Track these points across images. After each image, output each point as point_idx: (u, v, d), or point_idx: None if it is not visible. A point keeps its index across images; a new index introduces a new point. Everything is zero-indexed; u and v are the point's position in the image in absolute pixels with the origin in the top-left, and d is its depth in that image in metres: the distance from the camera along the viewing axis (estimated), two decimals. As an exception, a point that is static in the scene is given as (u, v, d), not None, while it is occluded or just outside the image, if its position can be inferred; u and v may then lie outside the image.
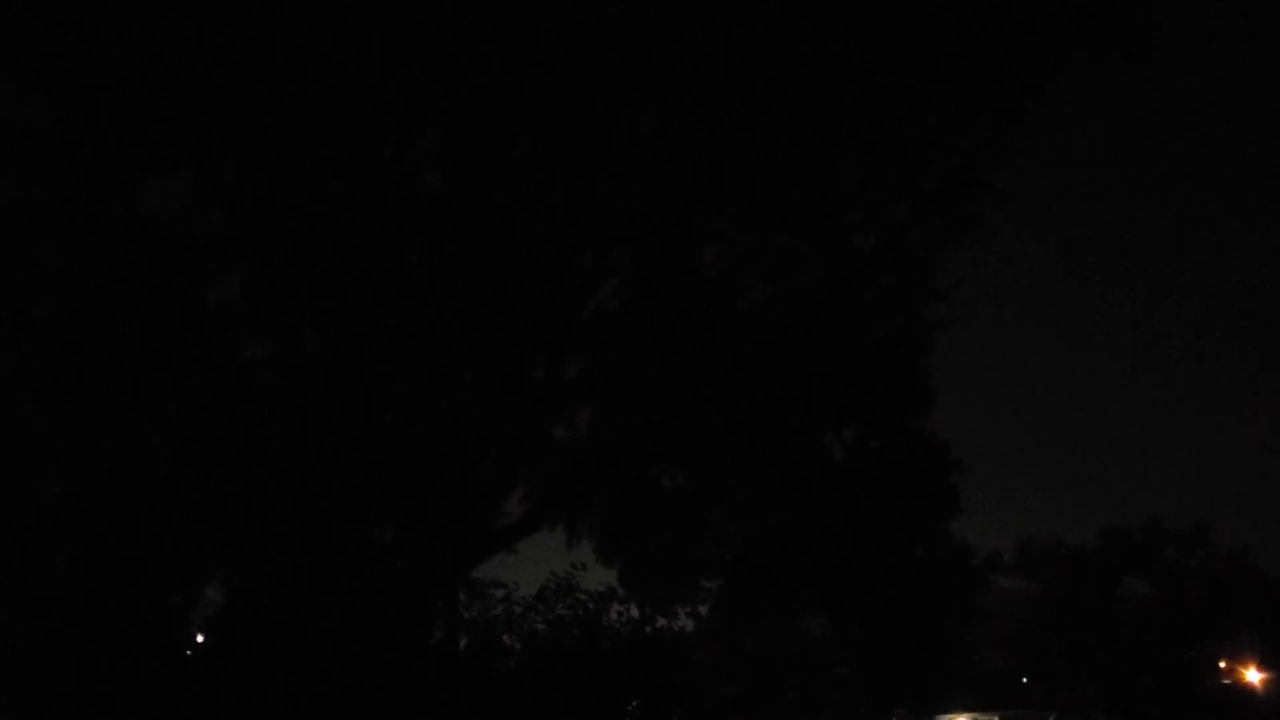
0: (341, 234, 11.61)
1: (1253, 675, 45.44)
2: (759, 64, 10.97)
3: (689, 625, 21.76)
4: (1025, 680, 49.08)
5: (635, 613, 14.51)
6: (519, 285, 11.59)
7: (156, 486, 11.31)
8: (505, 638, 13.58)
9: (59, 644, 10.84)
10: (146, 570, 11.47)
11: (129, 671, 10.87)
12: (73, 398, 11.16)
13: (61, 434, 11.32)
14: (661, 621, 15.52)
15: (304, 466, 11.68)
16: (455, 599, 13.44)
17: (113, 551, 11.28)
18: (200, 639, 12.52)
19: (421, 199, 12.03)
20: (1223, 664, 47.53)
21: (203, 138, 11.33)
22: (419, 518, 12.68)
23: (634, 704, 13.92)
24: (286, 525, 11.77)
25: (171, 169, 11.60)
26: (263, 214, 11.73)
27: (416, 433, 12.37)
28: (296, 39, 10.52)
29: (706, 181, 11.76)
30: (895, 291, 14.07)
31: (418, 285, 11.90)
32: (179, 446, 11.47)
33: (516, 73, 10.88)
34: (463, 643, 13.50)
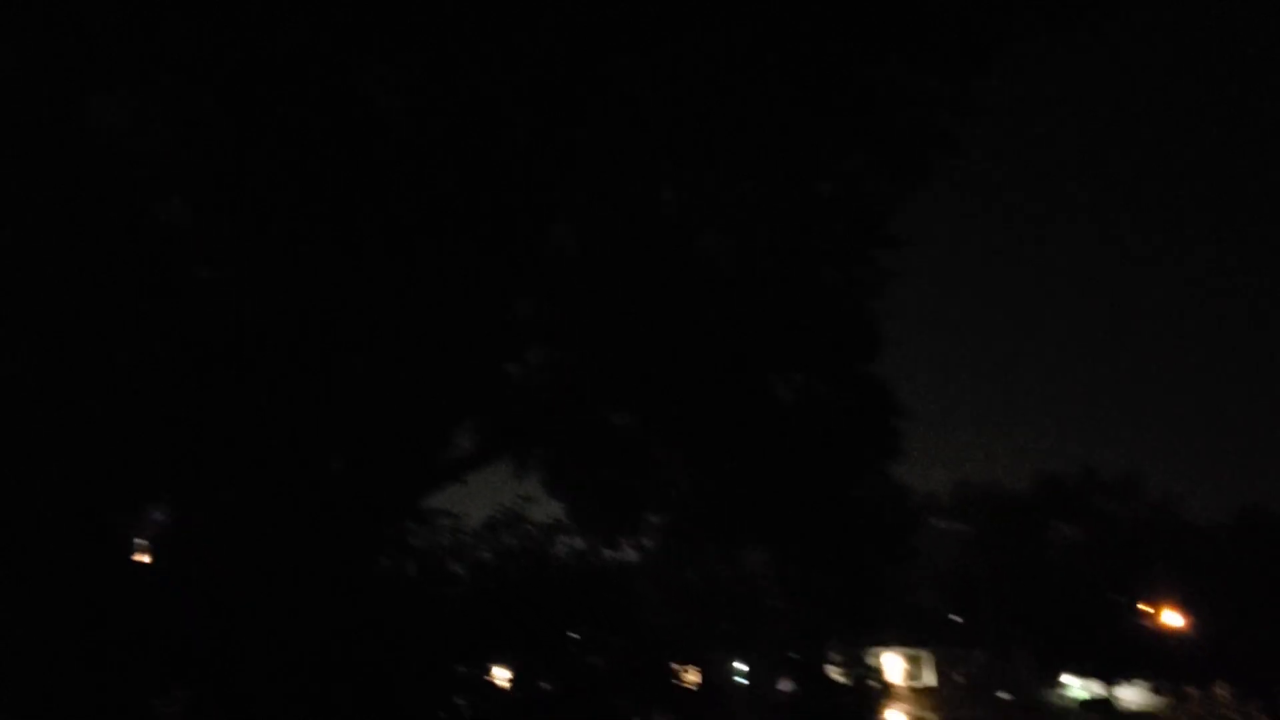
0: (287, 160, 11.47)
1: (1171, 619, 47.29)
2: (718, 27, 10.97)
3: (633, 557, 22.07)
4: (955, 618, 50.58)
5: (581, 545, 14.74)
6: (472, 222, 11.57)
7: (99, 404, 11.24)
8: (453, 566, 13.75)
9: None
10: (88, 487, 11.45)
11: (68, 589, 10.89)
12: (11, 307, 11.01)
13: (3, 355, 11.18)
14: (607, 553, 15.78)
15: (251, 392, 11.66)
16: (403, 527, 13.57)
17: (53, 468, 11.23)
18: (145, 559, 12.55)
19: (374, 124, 11.90)
20: (1144, 608, 49.33)
21: (147, 54, 11.11)
22: (368, 447, 12.73)
23: (580, 633, 14.22)
24: (232, 451, 11.77)
25: (114, 85, 11.36)
26: (207, 137, 11.55)
27: (366, 363, 12.38)
28: None
29: (666, 134, 11.79)
30: (849, 238, 14.21)
31: (368, 215, 11.82)
32: (122, 365, 11.39)
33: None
34: (410, 571, 13.67)
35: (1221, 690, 26.10)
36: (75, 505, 11.39)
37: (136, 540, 12.67)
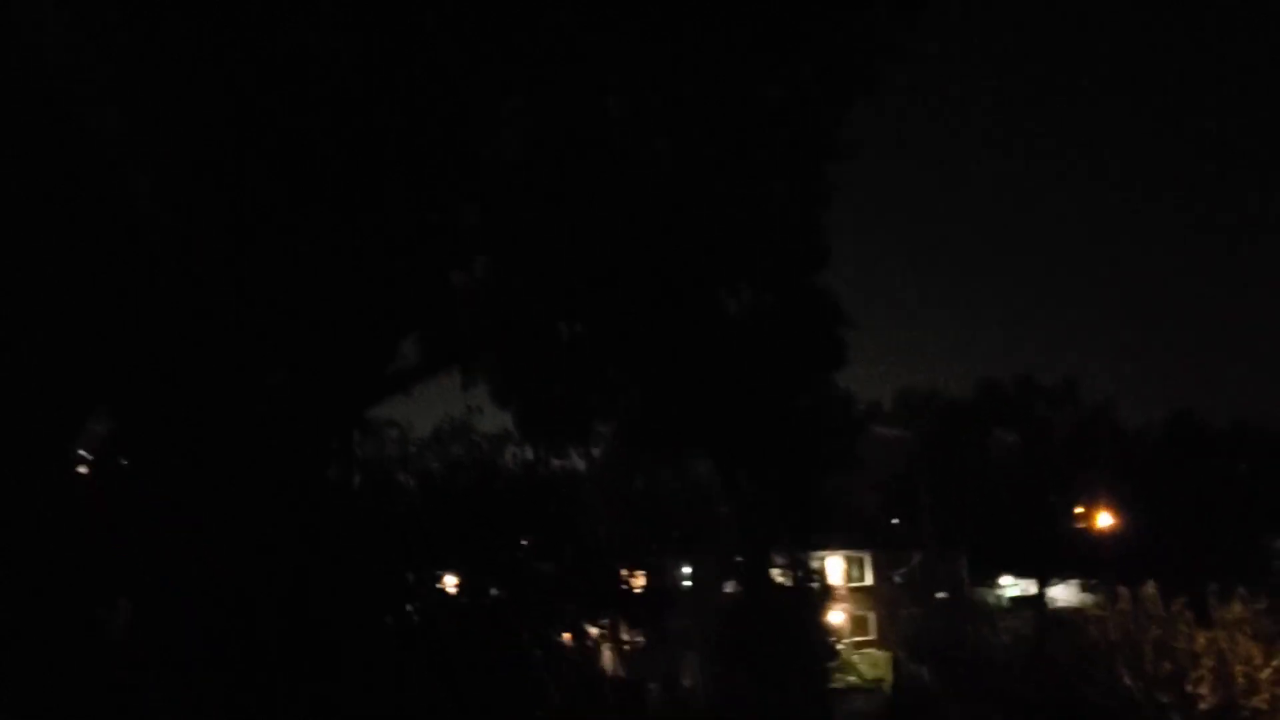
0: (220, 65, 11.10)
1: (1104, 520, 48.94)
2: None
3: (581, 466, 22.28)
4: (896, 522, 51.90)
5: (530, 455, 14.84)
6: (416, 127, 11.32)
7: (33, 310, 11.01)
8: (400, 477, 13.79)
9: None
10: (24, 397, 11.26)
11: (7, 503, 10.78)
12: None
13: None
14: (555, 464, 15.90)
15: (190, 298, 11.46)
16: (349, 438, 13.54)
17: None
18: (84, 472, 12.43)
19: (315, 29, 11.52)
20: (1079, 511, 50.95)
21: None
22: (311, 358, 12.62)
23: (529, 540, 14.39)
24: (174, 358, 11.61)
25: None
26: (136, 44, 11.13)
27: (308, 271, 12.19)
28: None
29: (608, 39, 11.54)
30: (796, 148, 14.13)
31: (308, 120, 11.51)
32: (58, 271, 11.13)
33: None
34: (357, 481, 13.69)
35: (1149, 588, 27.18)
36: (13, 415, 11.21)
37: (78, 452, 12.53)
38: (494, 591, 14.24)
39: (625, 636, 17.37)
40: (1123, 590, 28.16)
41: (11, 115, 10.46)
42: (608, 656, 17.22)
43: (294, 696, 11.37)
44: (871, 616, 50.16)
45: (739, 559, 40.69)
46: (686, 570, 46.07)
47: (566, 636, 14.97)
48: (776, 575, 40.97)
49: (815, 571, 45.46)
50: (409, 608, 13.43)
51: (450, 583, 14.16)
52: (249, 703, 11.02)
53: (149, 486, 11.75)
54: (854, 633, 48.59)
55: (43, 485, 11.36)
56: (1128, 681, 25.70)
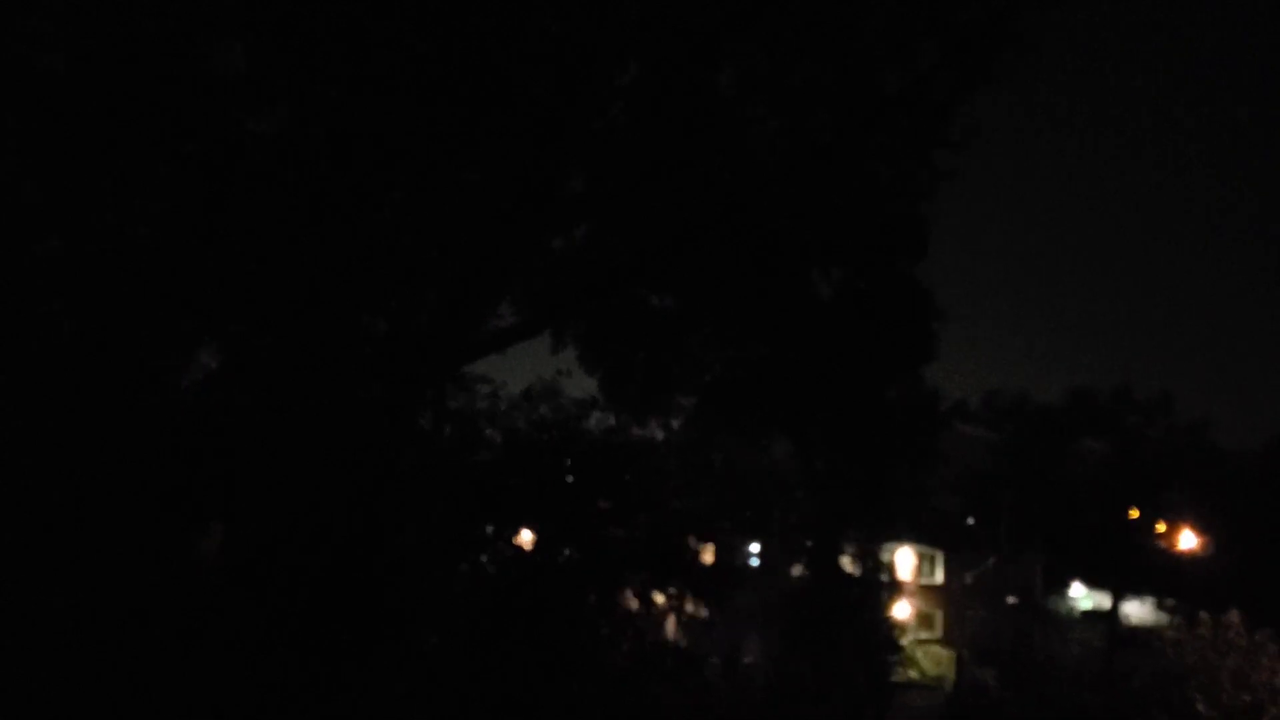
0: (345, 22, 11.34)
1: (1188, 540, 47.50)
2: None
3: (660, 437, 22.42)
4: (972, 522, 51.09)
5: (613, 423, 14.99)
6: (527, 94, 11.43)
7: (151, 248, 11.41)
8: (487, 431, 14.05)
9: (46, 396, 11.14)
10: (138, 328, 11.71)
11: (116, 427, 11.23)
12: (68, 154, 11.11)
13: (56, 191, 11.33)
14: (636, 432, 16.04)
15: (299, 243, 11.78)
16: (443, 390, 13.84)
17: (105, 310, 11.48)
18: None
19: None
20: (1162, 528, 49.52)
21: None
22: (414, 308, 12.91)
23: (604, 504, 14.54)
24: (280, 298, 11.96)
25: None
26: None
27: (416, 226, 12.43)
28: None
29: (727, 10, 11.47)
30: (909, 136, 13.93)
31: (425, 77, 11.71)
32: (174, 211, 11.52)
33: None
34: (446, 431, 13.99)
35: (1233, 616, 26.37)
36: (126, 343, 11.67)
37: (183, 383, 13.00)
38: (566, 551, 14.44)
39: (690, 609, 17.45)
40: (1203, 615, 27.40)
41: (132, 46, 10.82)
42: (671, 626, 17.38)
43: (367, 629, 11.74)
44: (939, 614, 49.63)
45: (809, 543, 40.50)
46: (755, 549, 46.06)
47: (633, 602, 15.13)
48: (846, 563, 40.71)
49: (885, 564, 45.05)
50: (483, 558, 13.72)
51: (525, 539, 14.41)
52: (324, 630, 11.40)
53: (247, 419, 12.16)
54: (919, 629, 48.13)
55: (149, 412, 11.82)
56: (1201, 709, 25.07)
